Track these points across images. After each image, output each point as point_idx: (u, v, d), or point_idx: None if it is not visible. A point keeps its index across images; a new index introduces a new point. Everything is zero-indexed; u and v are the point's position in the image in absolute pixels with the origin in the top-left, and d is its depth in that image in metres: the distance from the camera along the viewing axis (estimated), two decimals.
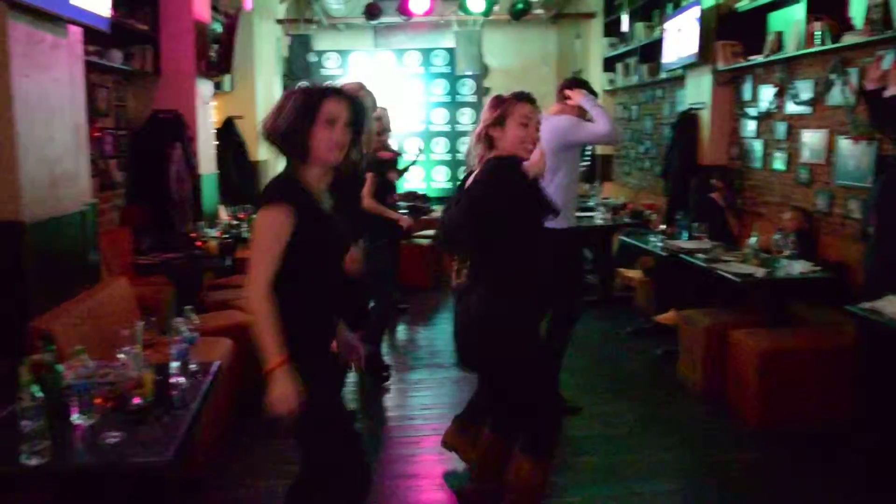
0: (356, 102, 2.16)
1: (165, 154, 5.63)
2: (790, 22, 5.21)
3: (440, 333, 5.86)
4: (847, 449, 3.55)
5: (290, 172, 2.14)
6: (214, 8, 6.76)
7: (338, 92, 2.13)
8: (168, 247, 5.09)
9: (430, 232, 7.76)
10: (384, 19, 9.61)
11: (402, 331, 6.03)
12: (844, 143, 4.64)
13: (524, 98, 2.68)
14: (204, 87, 6.40)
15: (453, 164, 10.47)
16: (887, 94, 3.45)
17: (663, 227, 5.59)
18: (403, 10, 9.01)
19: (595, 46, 9.63)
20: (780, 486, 3.28)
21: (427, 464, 3.58)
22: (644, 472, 3.41)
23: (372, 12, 9.25)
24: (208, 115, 6.64)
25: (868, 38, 4.31)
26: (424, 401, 4.41)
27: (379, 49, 10.79)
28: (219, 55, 6.68)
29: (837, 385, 3.80)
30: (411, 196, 8.55)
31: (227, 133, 7.90)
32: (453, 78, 10.50)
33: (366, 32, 11.10)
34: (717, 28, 6.01)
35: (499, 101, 2.69)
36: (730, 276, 4.16)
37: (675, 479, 3.41)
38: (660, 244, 5.16)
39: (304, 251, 2.05)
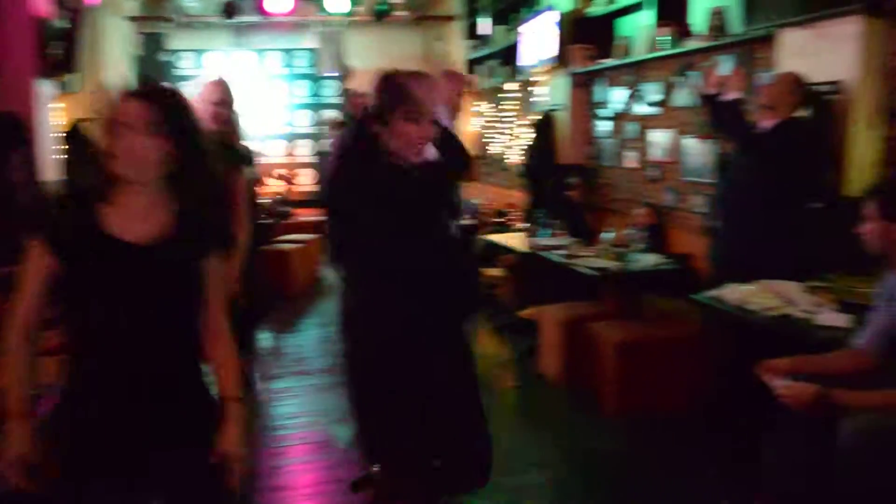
0: (166, 103, 1.72)
1: (3, 160, 5.19)
2: (638, 27, 5.47)
3: (307, 339, 5.74)
4: (700, 430, 3.74)
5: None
6: (60, 3, 6.32)
7: (137, 92, 1.73)
8: (10, 260, 4.68)
9: (296, 236, 7.62)
10: (244, 18, 9.33)
11: (266, 338, 5.86)
12: (690, 142, 4.91)
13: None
14: (44, 88, 5.96)
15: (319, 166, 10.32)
16: (723, 98, 3.68)
17: (524, 225, 5.72)
18: (262, 9, 8.78)
19: (456, 49, 9.75)
20: (642, 472, 3.41)
21: (296, 474, 3.48)
22: (509, 466, 3.45)
23: (230, 10, 8.97)
24: (50, 117, 6.19)
25: (708, 44, 4.58)
26: (290, 409, 4.29)
27: (238, 49, 10.47)
28: (64, 53, 6.25)
29: (688, 370, 4.00)
30: (276, 201, 8.35)
31: (75, 138, 7.40)
32: (316, 79, 10.35)
33: (224, 31, 10.73)
34: (573, 32, 6.21)
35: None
36: (586, 270, 4.30)
37: (540, 471, 3.48)
38: (521, 242, 5.28)
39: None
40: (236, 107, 3.65)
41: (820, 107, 3.63)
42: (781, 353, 2.76)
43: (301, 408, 4.30)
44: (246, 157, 3.74)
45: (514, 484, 3.28)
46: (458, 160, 2.75)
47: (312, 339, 5.73)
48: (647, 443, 3.70)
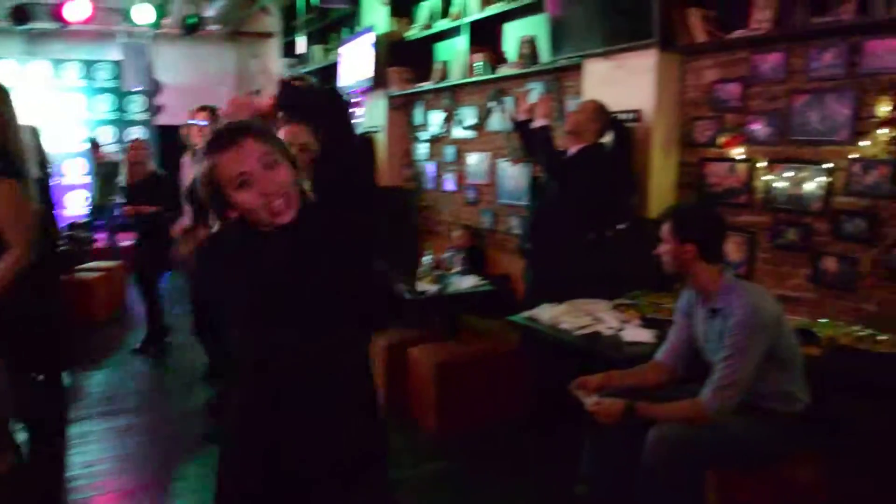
0: None
1: None
2: (455, 52, 5.58)
3: (114, 375, 5.22)
4: (519, 445, 3.79)
5: None
6: None
7: None
8: None
9: (98, 263, 7.03)
10: (37, 24, 8.57)
11: (66, 376, 5.29)
12: (504, 166, 5.05)
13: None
14: None
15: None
16: (534, 125, 3.80)
17: None
18: (59, 15, 8.12)
19: (273, 66, 9.53)
20: (466, 488, 3.40)
21: None
22: None
23: (20, 16, 8.21)
24: None
25: (519, 71, 4.75)
26: (88, 457, 3.85)
27: (32, 58, 9.59)
28: None
29: (506, 388, 4.06)
30: (72, 226, 7.70)
31: None
32: (121, 93, 9.71)
33: (15, 38, 9.81)
34: (390, 55, 6.24)
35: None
36: (406, 294, 4.28)
37: None
38: None
39: None
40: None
41: (622, 133, 3.85)
42: (593, 369, 2.86)
43: (100, 454, 3.88)
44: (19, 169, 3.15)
45: None
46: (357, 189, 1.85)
47: (122, 373, 5.26)
48: (467, 460, 3.69)
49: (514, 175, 4.96)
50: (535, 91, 4.64)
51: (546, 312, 3.38)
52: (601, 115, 3.77)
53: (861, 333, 3.13)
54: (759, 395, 2.54)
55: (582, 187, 3.67)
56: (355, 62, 6.65)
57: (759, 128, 3.59)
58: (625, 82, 3.92)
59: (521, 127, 3.88)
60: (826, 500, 2.63)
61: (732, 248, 3.71)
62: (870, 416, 2.93)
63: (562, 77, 4.52)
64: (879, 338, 3.07)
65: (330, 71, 7.53)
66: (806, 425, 2.63)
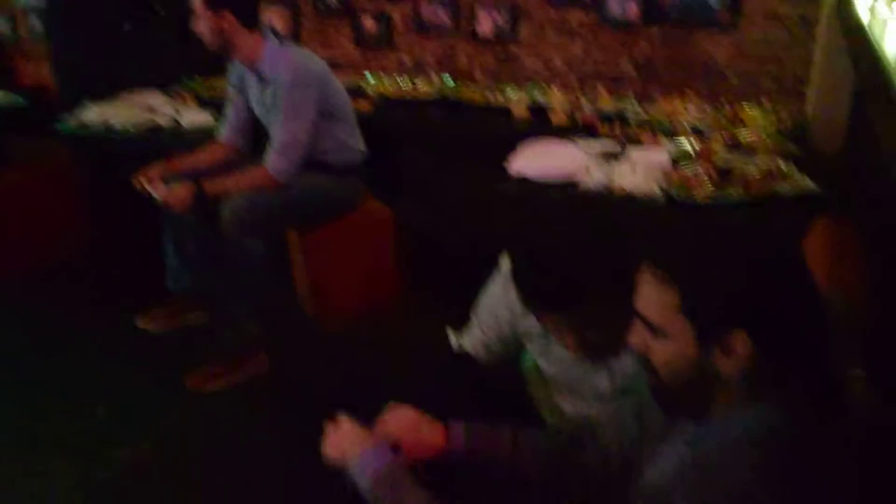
0: None
1: None
2: None
3: None
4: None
5: None
6: None
7: None
8: None
9: None
10: None
11: None
12: None
13: None
14: None
15: None
16: None
17: None
18: None
19: None
20: (54, 320, 3.08)
21: None
22: None
23: None
24: None
25: None
26: None
27: None
28: None
29: (67, 214, 3.63)
30: None
31: None
32: None
33: None
34: None
35: None
36: None
37: None
38: None
39: None
40: None
41: None
42: (155, 161, 2.71)
43: None
44: None
45: None
46: None
47: None
48: (49, 291, 3.32)
49: None
50: None
51: (93, 113, 3.07)
52: None
53: (403, 84, 3.43)
54: (319, 151, 2.66)
55: None
56: None
57: None
58: None
59: None
60: (389, 234, 2.96)
61: (277, 20, 3.68)
62: (422, 156, 3.29)
63: None
64: (420, 87, 3.40)
65: None
66: (365, 173, 2.85)
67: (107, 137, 3.03)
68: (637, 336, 0.99)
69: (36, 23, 4.16)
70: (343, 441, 1.23)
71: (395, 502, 1.11)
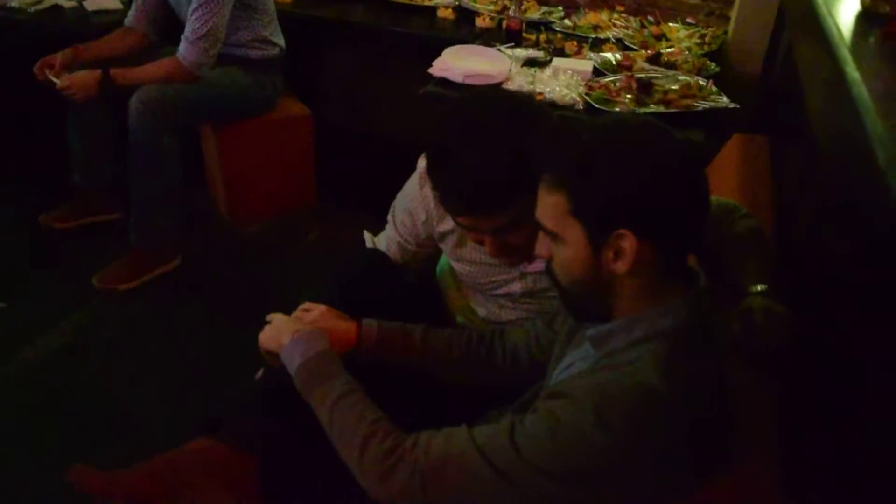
0: None
1: None
2: None
3: None
4: None
5: None
6: None
7: None
8: None
9: None
10: None
11: None
12: None
13: None
14: None
15: None
16: None
17: None
18: None
19: None
20: None
21: None
22: None
23: None
24: None
25: None
26: None
27: None
28: None
29: None
30: None
31: None
32: None
33: None
34: None
35: None
36: None
37: None
38: None
39: None
40: None
41: None
42: (57, 48, 2.54)
43: None
44: None
45: None
46: None
47: None
48: None
49: None
50: None
51: None
52: None
53: None
54: (236, 44, 2.55)
55: None
56: None
57: None
58: None
59: None
60: (308, 134, 2.89)
61: None
62: (345, 55, 3.19)
63: None
64: None
65: None
66: (284, 70, 2.76)
67: (3, 17, 2.81)
68: (541, 244, 1.01)
69: None
70: (277, 331, 1.23)
71: (321, 385, 1.12)
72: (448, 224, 1.42)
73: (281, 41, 2.70)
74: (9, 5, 2.80)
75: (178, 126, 2.43)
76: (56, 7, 2.86)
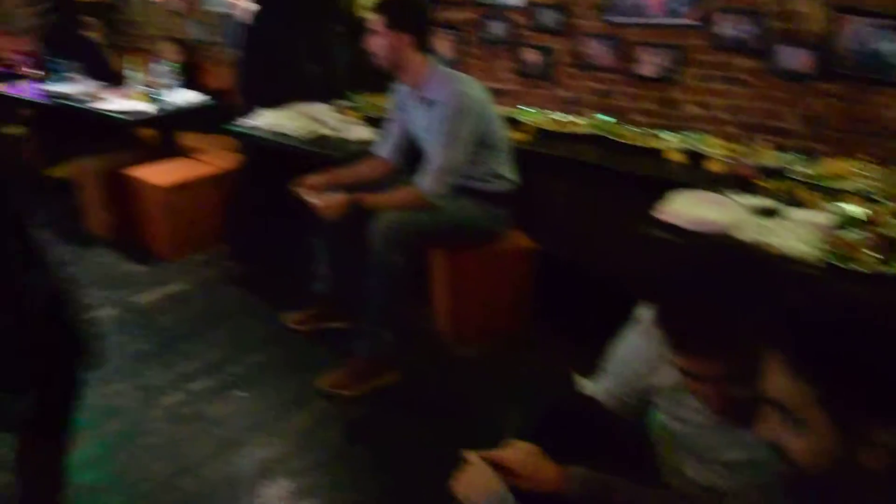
0: None
1: None
2: None
3: None
4: (251, 258, 3.77)
5: None
6: None
7: None
8: None
9: None
10: None
11: None
12: None
13: None
14: None
15: None
16: None
17: (36, 72, 4.95)
18: None
19: None
20: (208, 305, 3.38)
21: None
22: None
23: None
24: None
25: None
26: None
27: None
28: None
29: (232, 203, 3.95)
30: None
31: None
32: None
33: None
34: None
35: None
36: (118, 115, 3.93)
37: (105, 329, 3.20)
38: (37, 91, 4.57)
39: None
40: None
41: None
42: (318, 170, 2.88)
43: None
44: None
45: None
46: None
47: None
48: (207, 276, 3.65)
49: None
50: None
51: (266, 119, 3.30)
52: None
53: (559, 118, 3.45)
54: (472, 177, 2.74)
55: None
56: None
57: None
58: None
59: None
60: (529, 265, 2.99)
61: (443, 45, 3.81)
62: (570, 191, 3.30)
63: None
64: (576, 121, 3.41)
65: None
66: (515, 203, 2.90)
67: (275, 141, 3.24)
68: (769, 422, 0.95)
69: (227, 31, 4.52)
70: (470, 482, 1.27)
71: None
72: (667, 378, 1.40)
73: (512, 176, 2.85)
74: (283, 132, 3.24)
75: (412, 249, 2.62)
76: (319, 135, 3.25)
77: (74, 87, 4.50)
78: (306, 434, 2.48)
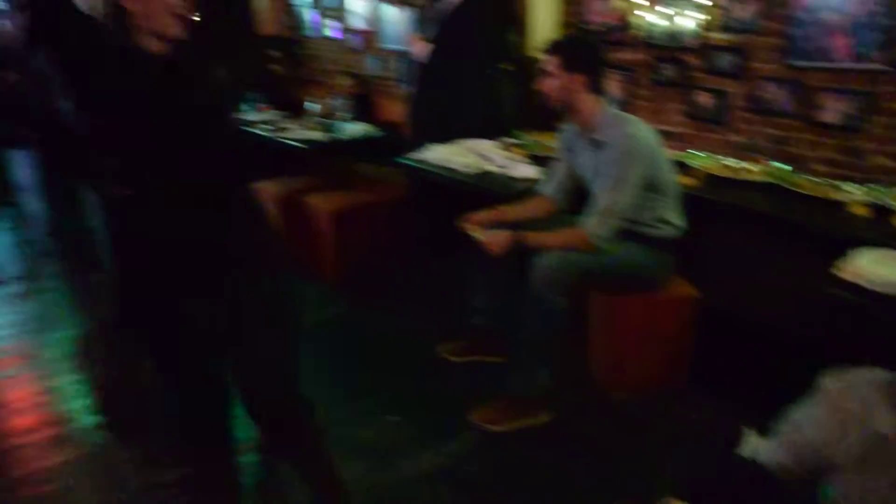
0: None
1: None
2: None
3: None
4: (415, 284, 3.93)
5: None
6: None
7: None
8: None
9: None
10: None
11: None
12: (388, 10, 4.89)
13: None
14: None
15: None
16: None
17: None
18: None
19: None
20: (367, 327, 3.53)
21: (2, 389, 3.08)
22: None
23: None
24: None
25: None
26: None
27: None
28: None
29: (399, 233, 4.13)
30: None
31: None
32: None
33: None
34: None
35: None
36: (295, 143, 4.20)
37: None
38: None
39: None
40: None
41: None
42: (482, 206, 2.94)
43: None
44: None
45: None
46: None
47: (2, 243, 4.96)
48: (369, 299, 3.81)
49: (397, 20, 4.82)
50: None
51: (434, 153, 3.41)
52: None
53: (732, 164, 3.34)
54: (638, 221, 2.70)
55: (465, 29, 3.63)
56: None
57: None
58: None
59: None
60: (692, 316, 2.89)
61: (614, 86, 3.80)
62: (739, 240, 3.18)
63: None
64: (749, 167, 3.29)
65: None
66: (680, 250, 2.83)
67: (441, 175, 3.35)
68: None
69: (402, 68, 4.74)
70: None
71: None
72: (850, 452, 1.31)
73: (679, 221, 2.79)
74: (450, 167, 3.34)
75: (572, 290, 2.62)
76: (485, 171, 3.32)
77: (257, 116, 4.85)
78: (452, 465, 2.51)
